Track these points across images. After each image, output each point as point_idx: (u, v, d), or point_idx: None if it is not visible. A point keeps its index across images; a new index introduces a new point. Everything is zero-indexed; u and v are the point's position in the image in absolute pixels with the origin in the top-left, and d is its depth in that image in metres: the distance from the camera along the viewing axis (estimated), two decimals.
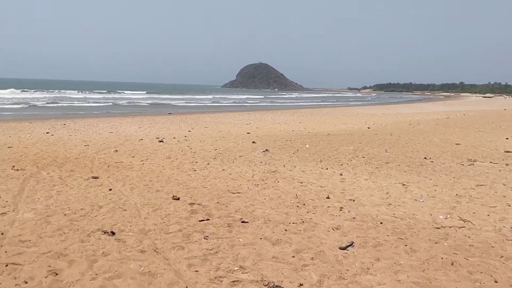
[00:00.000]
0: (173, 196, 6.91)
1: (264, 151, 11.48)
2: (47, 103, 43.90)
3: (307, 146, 12.59)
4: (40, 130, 18.52)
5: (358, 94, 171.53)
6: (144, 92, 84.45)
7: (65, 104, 43.45)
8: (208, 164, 10.03)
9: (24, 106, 39.10)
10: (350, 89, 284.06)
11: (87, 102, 46.62)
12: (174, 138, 15.58)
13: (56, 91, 73.26)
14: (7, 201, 6.55)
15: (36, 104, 41.44)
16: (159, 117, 28.53)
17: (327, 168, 9.46)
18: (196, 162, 10.25)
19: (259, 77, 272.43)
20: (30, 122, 22.64)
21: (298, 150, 11.95)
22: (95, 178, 8.29)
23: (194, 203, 6.60)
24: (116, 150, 11.93)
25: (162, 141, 14.34)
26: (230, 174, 8.92)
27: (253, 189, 7.54)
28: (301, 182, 8.06)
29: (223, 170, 9.32)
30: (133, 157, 10.95)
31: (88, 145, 13.25)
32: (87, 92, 73.40)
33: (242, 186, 7.79)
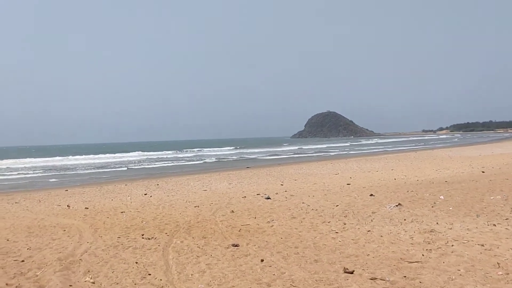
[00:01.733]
0: (345, 269, 5.77)
1: (397, 206, 10.14)
2: (134, 163, 45.50)
3: (442, 197, 11.06)
4: (137, 192, 18.46)
5: (439, 136, 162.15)
6: (232, 147, 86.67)
7: (158, 165, 44.76)
8: (344, 224, 8.86)
9: (116, 169, 40.67)
10: (425, 131, 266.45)
11: (178, 161, 47.93)
12: (277, 193, 14.67)
13: (138, 152, 76.68)
14: (161, 280, 5.77)
15: (129, 166, 43.10)
16: (241, 172, 28.10)
17: (494, 225, 7.92)
18: (329, 222, 9.13)
19: (328, 126, 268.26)
20: (126, 185, 22.90)
21: (435, 203, 10.46)
22: (236, 246, 7.41)
23: (375, 278, 5.42)
24: (232, 211, 11.15)
25: (270, 198, 13.46)
26: (381, 236, 7.67)
27: (430, 256, 6.23)
28: (482, 245, 6.63)
29: (368, 231, 8.09)
30: (255, 218, 10.06)
31: (198, 206, 12.65)
32: (178, 151, 76.46)
33: (412, 252, 6.51)
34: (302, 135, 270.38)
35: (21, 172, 38.24)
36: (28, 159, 60.37)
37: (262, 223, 9.34)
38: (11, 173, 38.14)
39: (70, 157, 64.42)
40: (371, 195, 12.54)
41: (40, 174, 35.71)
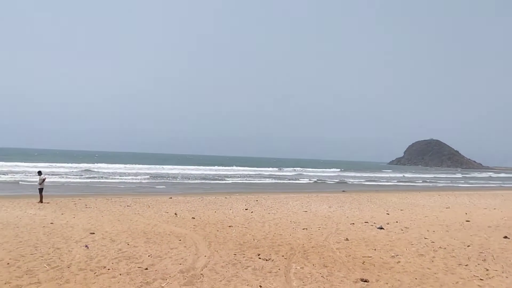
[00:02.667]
0: None
1: None
2: (231, 177, 46.49)
3: None
4: (238, 206, 18.36)
5: None
6: (338, 169, 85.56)
7: (256, 181, 45.35)
8: (487, 270, 7.58)
9: (216, 181, 41.88)
10: None
11: (277, 179, 48.22)
12: (388, 224, 13.49)
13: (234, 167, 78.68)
14: None
15: (226, 179, 44.19)
16: (339, 195, 26.94)
17: None
18: (466, 265, 7.89)
19: (430, 154, 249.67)
20: (226, 197, 23.09)
21: None
22: (365, 281, 6.62)
23: None
24: (347, 239, 10.33)
25: (383, 228, 12.38)
26: None
27: None
28: None
29: None
30: (375, 250, 9.13)
31: (306, 228, 12.04)
32: (279, 168, 77.63)
33: None
34: (401, 162, 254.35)
35: (127, 178, 40.80)
36: (134, 165, 64.89)
37: (385, 257, 8.41)
38: (120, 177, 40.94)
39: (171, 166, 68.08)
40: (506, 237, 10.88)
41: (146, 180, 37.85)
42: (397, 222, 14.11)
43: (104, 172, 46.59)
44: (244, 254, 8.27)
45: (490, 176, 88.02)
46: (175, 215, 14.71)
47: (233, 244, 9.27)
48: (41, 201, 17.50)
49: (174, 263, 7.34)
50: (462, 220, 15.03)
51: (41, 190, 17.97)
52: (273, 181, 44.33)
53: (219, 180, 42.91)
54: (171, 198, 22.09)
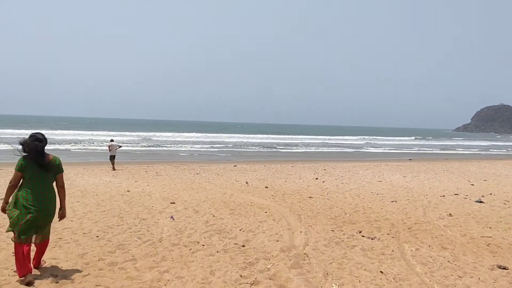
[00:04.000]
0: None
1: None
2: (290, 146, 45.68)
3: None
4: (306, 175, 17.42)
5: None
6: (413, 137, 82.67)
7: (319, 149, 44.40)
8: None
9: (277, 149, 41.26)
10: None
11: (341, 147, 46.94)
12: (483, 196, 12.01)
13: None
14: None
15: (280, 147, 43.41)
16: (410, 164, 25.27)
17: None
18: None
19: (500, 121, 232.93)
20: (292, 166, 22.28)
21: None
22: (504, 268, 5.47)
23: None
24: (450, 214, 9.10)
25: (482, 202, 10.98)
26: None
27: None
28: None
29: None
30: (490, 228, 7.87)
31: (395, 201, 10.90)
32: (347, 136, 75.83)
33: None
34: (468, 129, 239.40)
35: (187, 146, 41.01)
36: (192, 134, 65.64)
37: (510, 238, 7.15)
38: (182, 145, 41.25)
39: (228, 134, 68.21)
40: None
41: (206, 149, 37.84)
42: (491, 194, 12.59)
43: (163, 141, 47.30)
44: (342, 230, 7.34)
45: None
46: (246, 184, 14.06)
47: (324, 218, 8.37)
48: (113, 168, 17.51)
49: (271, 240, 6.55)
50: None
51: (113, 157, 17.96)
52: (338, 149, 42.91)
53: (283, 148, 42.15)
54: (235, 166, 21.59)
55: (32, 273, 4.42)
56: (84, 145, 34.93)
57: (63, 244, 5.90)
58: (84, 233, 6.57)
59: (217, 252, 5.78)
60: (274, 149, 40.27)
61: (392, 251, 6.12)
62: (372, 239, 6.78)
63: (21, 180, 4.27)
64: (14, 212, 4.18)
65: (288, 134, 79.24)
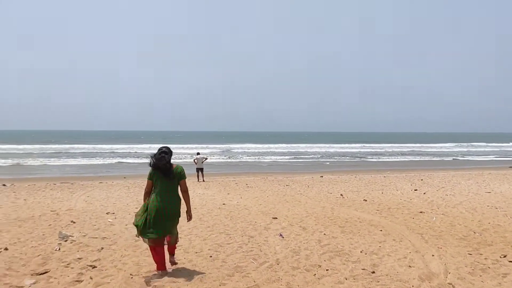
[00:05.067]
0: None
1: None
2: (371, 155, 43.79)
3: None
4: (403, 186, 16.09)
5: None
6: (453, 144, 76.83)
7: (401, 159, 42.35)
8: None
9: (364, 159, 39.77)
10: None
11: (426, 156, 44.36)
12: None
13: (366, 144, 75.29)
14: None
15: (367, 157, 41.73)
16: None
17: None
18: None
19: None
20: (384, 176, 20.93)
21: None
22: None
23: None
24: None
25: None
26: None
27: None
28: None
29: None
30: None
31: None
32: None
33: None
34: None
35: (267, 157, 40.80)
36: (272, 145, 65.67)
37: None
38: (262, 157, 41.15)
39: (306, 144, 67.34)
40: None
41: (289, 159, 37.32)
42: None
43: (243, 152, 47.65)
44: (481, 254, 6.23)
45: None
46: (341, 196, 13.19)
47: (452, 238, 7.27)
48: (199, 180, 17.60)
49: (401, 265, 5.67)
50: None
51: (201, 169, 18.08)
52: (430, 158, 40.18)
53: (371, 157, 40.45)
54: (322, 176, 20.75)
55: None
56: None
57: (179, 264, 5.56)
58: (196, 252, 6.20)
59: (346, 279, 5.05)
60: (358, 159, 38.66)
61: None
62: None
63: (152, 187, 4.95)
64: (141, 214, 4.87)
65: (376, 143, 76.22)
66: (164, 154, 4.88)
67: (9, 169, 25.87)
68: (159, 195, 4.81)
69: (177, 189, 5.01)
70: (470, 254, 6.20)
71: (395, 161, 36.23)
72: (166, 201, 4.81)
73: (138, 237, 4.95)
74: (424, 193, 13.93)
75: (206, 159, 19.31)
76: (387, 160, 37.60)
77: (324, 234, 7.56)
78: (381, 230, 7.86)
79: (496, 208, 10.58)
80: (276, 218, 9.11)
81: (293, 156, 40.30)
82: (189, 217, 5.10)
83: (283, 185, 16.52)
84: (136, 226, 4.82)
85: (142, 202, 5.01)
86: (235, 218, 9.07)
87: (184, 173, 5.03)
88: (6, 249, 6.17)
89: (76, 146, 54.56)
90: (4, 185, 15.60)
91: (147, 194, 4.92)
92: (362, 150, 53.48)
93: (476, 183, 17.06)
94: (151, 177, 4.90)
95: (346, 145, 66.79)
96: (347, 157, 40.03)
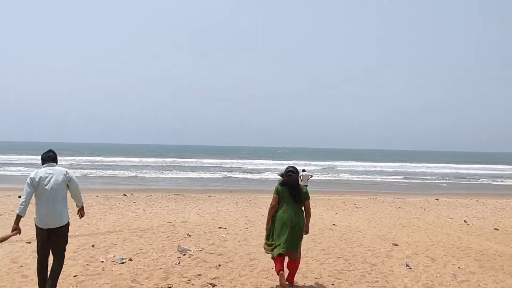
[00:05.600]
0: None
1: None
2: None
3: None
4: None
5: None
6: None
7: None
8: None
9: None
10: None
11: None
12: None
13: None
14: None
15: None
16: None
17: None
18: None
19: None
20: (478, 200, 18.38)
21: None
22: None
23: None
24: None
25: None
26: None
27: None
28: None
29: None
30: None
31: None
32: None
33: None
34: None
35: (367, 176, 38.95)
36: (349, 162, 62.88)
37: None
38: (362, 175, 39.41)
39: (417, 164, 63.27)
40: None
41: (399, 180, 35.21)
42: None
43: (347, 170, 46.17)
44: None
45: None
46: (465, 223, 11.71)
47: None
48: None
49: None
50: None
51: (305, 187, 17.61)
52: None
53: (486, 179, 36.50)
54: (437, 199, 18.91)
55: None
56: (262, 175, 36.36)
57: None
58: (315, 278, 5.74)
59: None
60: (475, 180, 34.92)
61: None
62: None
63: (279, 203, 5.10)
64: (271, 231, 5.10)
65: (493, 163, 68.87)
66: (291, 173, 5.15)
67: (129, 180, 28.15)
68: (286, 212, 4.98)
69: (302, 208, 5.18)
70: None
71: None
72: (296, 217, 4.99)
73: (270, 253, 5.09)
74: None
75: (312, 176, 18.84)
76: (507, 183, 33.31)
77: (459, 267, 6.57)
78: None
79: None
80: (397, 244, 8.26)
81: (402, 176, 37.83)
82: (306, 232, 5.20)
83: (395, 207, 15.33)
84: (270, 249, 5.04)
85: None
86: (350, 242, 8.43)
87: (308, 194, 5.24)
88: (130, 259, 6.35)
89: (183, 160, 58.02)
90: (125, 195, 16.84)
91: (273, 208, 5.08)
92: (479, 171, 48.32)
93: None
94: (277, 192, 5.11)
95: (461, 165, 61.06)
96: (464, 179, 36.39)
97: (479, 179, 36.38)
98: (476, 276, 6.09)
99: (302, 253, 7.16)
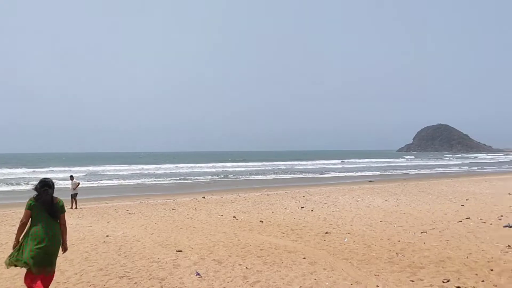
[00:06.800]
0: None
1: None
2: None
3: None
4: (289, 204, 15.91)
5: None
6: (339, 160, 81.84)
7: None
8: None
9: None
10: None
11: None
12: (500, 219, 11.14)
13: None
14: None
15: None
16: (384, 186, 24.46)
17: None
18: None
19: (439, 139, 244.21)
20: (267, 194, 20.61)
21: None
22: None
23: None
24: (509, 246, 7.88)
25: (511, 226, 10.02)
26: None
27: None
28: None
29: None
30: None
31: (425, 231, 9.59)
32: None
33: None
34: (411, 149, 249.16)
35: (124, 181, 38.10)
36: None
37: None
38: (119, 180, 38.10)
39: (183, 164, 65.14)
40: None
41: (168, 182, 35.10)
42: (501, 216, 11.75)
43: (111, 175, 43.70)
44: (422, 280, 5.75)
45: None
46: (235, 219, 12.23)
47: (381, 262, 6.75)
48: (76, 207, 14.84)
49: None
50: None
51: (74, 195, 15.33)
52: (295, 175, 41.78)
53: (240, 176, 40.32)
54: (204, 197, 19.60)
55: None
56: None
57: None
58: None
59: None
60: (233, 176, 38.40)
61: None
62: None
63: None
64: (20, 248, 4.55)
65: (232, 161, 77.54)
66: (47, 188, 4.70)
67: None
68: (42, 228, 4.54)
69: (57, 222, 4.77)
70: (413, 281, 5.67)
71: (271, 179, 36.83)
72: (52, 233, 4.60)
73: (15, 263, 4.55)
74: (312, 210, 13.80)
75: (79, 184, 16.51)
76: (262, 178, 38.06)
77: (246, 268, 6.37)
78: (304, 258, 7.00)
79: (391, 223, 10.72)
80: (181, 250, 7.60)
81: (173, 178, 38.05)
82: (64, 249, 4.85)
83: (169, 209, 14.85)
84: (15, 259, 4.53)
85: None
86: (130, 255, 7.29)
87: (64, 207, 4.87)
88: None
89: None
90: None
91: (24, 225, 4.61)
92: (235, 169, 53.70)
93: (352, 198, 17.74)
94: (30, 207, 4.60)
95: (211, 164, 66.54)
96: (219, 176, 39.43)
97: (241, 176, 40.04)
98: (264, 275, 5.96)
99: (75, 279, 5.64)
